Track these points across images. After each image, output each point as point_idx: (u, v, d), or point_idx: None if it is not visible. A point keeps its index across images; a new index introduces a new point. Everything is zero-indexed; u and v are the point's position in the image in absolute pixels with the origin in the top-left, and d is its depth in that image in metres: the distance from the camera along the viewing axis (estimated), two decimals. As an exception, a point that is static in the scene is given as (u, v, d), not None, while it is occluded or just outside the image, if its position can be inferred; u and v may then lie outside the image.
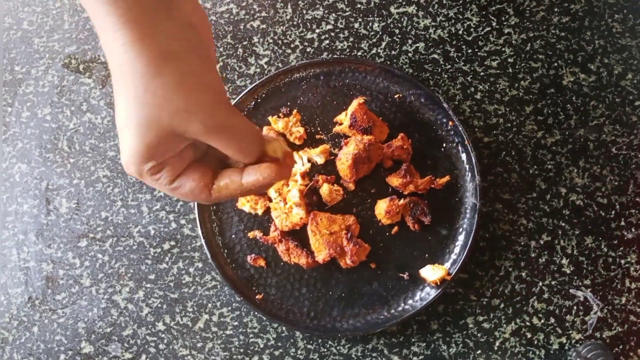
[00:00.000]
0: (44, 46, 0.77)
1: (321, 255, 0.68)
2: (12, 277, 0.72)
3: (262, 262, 0.70)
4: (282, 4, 0.77)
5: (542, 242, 0.72)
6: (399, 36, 0.77)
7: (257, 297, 0.69)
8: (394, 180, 0.70)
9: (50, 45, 0.78)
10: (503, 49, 0.76)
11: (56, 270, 0.72)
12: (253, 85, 0.72)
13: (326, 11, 0.78)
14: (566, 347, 0.70)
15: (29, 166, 0.74)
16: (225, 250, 0.70)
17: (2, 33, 0.78)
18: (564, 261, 0.72)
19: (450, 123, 0.72)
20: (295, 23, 0.77)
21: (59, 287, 0.72)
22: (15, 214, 0.73)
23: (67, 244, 0.72)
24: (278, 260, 0.70)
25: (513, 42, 0.76)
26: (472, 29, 0.77)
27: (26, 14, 0.78)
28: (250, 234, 0.70)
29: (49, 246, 0.72)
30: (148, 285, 0.71)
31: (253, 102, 0.73)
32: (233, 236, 0.71)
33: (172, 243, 0.72)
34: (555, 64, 0.76)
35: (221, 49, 0.77)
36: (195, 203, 0.70)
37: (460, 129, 0.71)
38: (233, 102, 0.72)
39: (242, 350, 0.70)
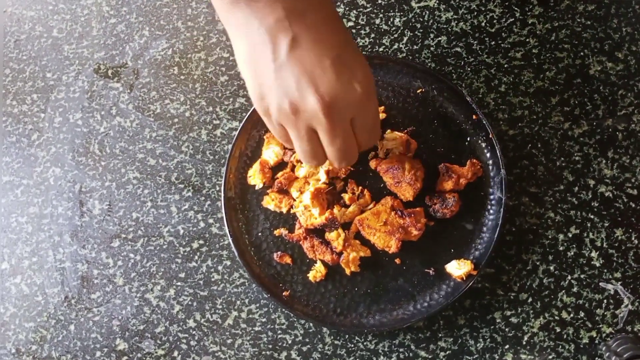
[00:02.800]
0: (74, 53, 0.80)
1: (392, 247, 0.68)
2: (49, 277, 0.75)
3: (288, 260, 0.71)
4: (303, 3, 0.78)
5: (570, 235, 0.71)
6: (421, 30, 0.76)
7: (284, 294, 0.70)
8: (447, 185, 0.70)
9: (79, 51, 0.80)
10: (527, 40, 0.75)
11: (91, 270, 0.74)
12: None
13: (347, 8, 0.78)
14: (596, 341, 0.69)
15: (63, 170, 0.77)
16: (252, 248, 0.71)
17: (32, 41, 0.81)
18: (594, 254, 0.70)
19: (474, 117, 0.71)
20: (316, 21, 0.77)
21: (93, 286, 0.74)
22: (51, 217, 0.76)
23: (100, 245, 0.75)
24: (304, 257, 0.71)
25: (537, 32, 0.75)
26: (495, 21, 0.76)
27: (56, 22, 0.81)
28: (276, 232, 0.71)
29: (83, 247, 0.75)
30: (178, 284, 0.73)
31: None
32: (259, 234, 0.72)
33: (201, 242, 0.74)
34: (582, 53, 0.74)
35: (244, 50, 0.78)
36: (223, 203, 0.71)
37: (484, 122, 0.70)
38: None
39: (270, 346, 0.71)
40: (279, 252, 0.71)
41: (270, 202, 0.71)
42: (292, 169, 0.72)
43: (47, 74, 0.80)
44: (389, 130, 0.72)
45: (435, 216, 0.70)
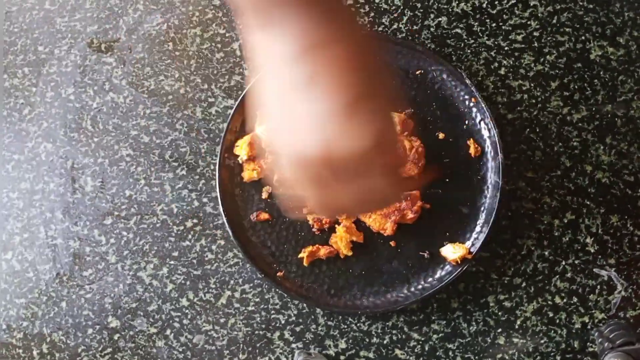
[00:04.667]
0: (66, 26, 0.78)
1: (388, 230, 0.68)
2: (41, 254, 0.74)
3: (265, 216, 0.71)
4: (301, -20, 0.76)
5: (565, 221, 0.71)
6: (421, 10, 0.75)
7: (278, 274, 0.70)
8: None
9: (72, 25, 0.78)
10: (528, 23, 0.74)
11: (83, 247, 0.74)
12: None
13: (346, -14, 0.76)
14: (589, 327, 0.70)
15: (54, 145, 0.76)
16: (247, 228, 0.71)
17: (24, 13, 0.79)
18: (588, 240, 0.71)
19: (472, 99, 0.70)
20: None
21: (85, 263, 0.74)
22: (42, 193, 0.75)
23: (92, 222, 0.74)
24: (298, 238, 0.71)
25: (539, 15, 0.74)
26: (496, 2, 0.75)
27: (48, -6, 0.79)
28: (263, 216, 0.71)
29: (75, 224, 0.74)
30: (172, 262, 0.73)
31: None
32: (254, 214, 0.71)
33: (195, 221, 0.73)
34: (583, 38, 0.73)
35: (240, 26, 0.76)
36: (217, 182, 0.70)
37: (482, 105, 0.70)
38: (252, 79, 0.72)
39: (263, 326, 0.71)
40: (255, 212, 0.71)
41: (251, 172, 0.70)
42: None
43: (38, 47, 0.78)
44: None
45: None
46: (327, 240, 0.70)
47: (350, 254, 0.69)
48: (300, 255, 0.70)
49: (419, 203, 0.68)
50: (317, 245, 0.70)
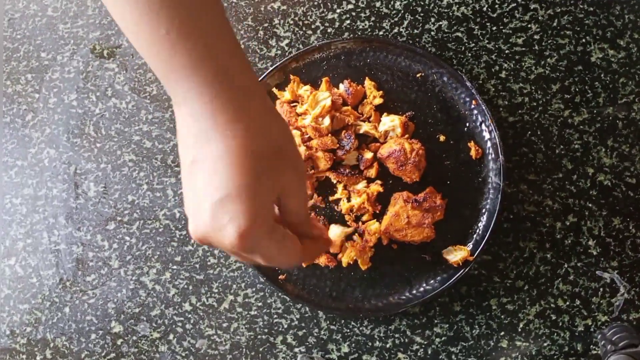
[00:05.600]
0: (69, 32, 0.79)
1: (430, 234, 0.68)
2: (44, 259, 0.74)
3: None
4: (302, -15, 0.77)
5: (568, 224, 0.71)
6: (422, 14, 0.75)
7: (279, 277, 0.70)
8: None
9: (74, 31, 0.79)
10: (529, 26, 0.74)
11: (86, 252, 0.74)
12: (274, 67, 0.72)
13: (347, -9, 0.77)
14: (592, 329, 0.69)
15: (57, 151, 0.76)
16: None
17: (27, 20, 0.79)
18: (591, 242, 0.70)
19: (473, 102, 0.71)
20: (315, 3, 0.76)
21: (88, 268, 0.74)
22: (45, 198, 0.75)
23: (95, 227, 0.74)
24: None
25: (539, 18, 0.74)
26: (496, 5, 0.75)
27: (50, 0, 0.79)
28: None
29: (78, 229, 0.74)
30: (174, 267, 0.73)
31: (275, 85, 0.73)
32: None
33: (197, 225, 0.73)
34: (583, 40, 0.74)
35: (242, 32, 0.76)
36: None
37: (483, 107, 0.70)
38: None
39: (266, 330, 0.71)
40: None
41: None
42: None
43: (41, 54, 0.78)
44: (385, 114, 0.71)
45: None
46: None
47: (369, 265, 0.70)
48: None
49: (439, 196, 0.68)
50: None
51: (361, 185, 0.70)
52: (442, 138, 0.71)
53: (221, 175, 0.42)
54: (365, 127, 0.70)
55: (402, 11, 0.76)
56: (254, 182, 0.42)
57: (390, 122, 0.70)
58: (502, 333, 0.70)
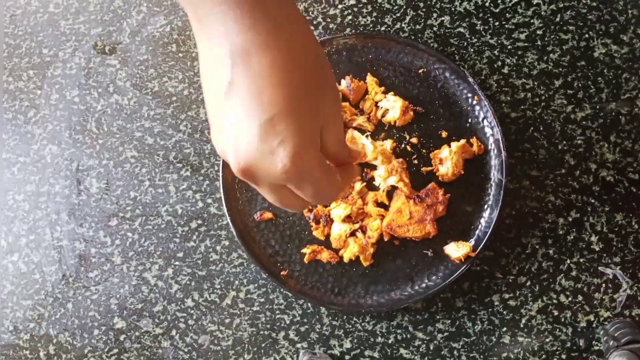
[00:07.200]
0: (71, 28, 0.79)
1: (432, 231, 0.68)
2: (47, 255, 0.74)
3: (269, 215, 0.71)
4: (304, -20, 0.77)
5: (570, 219, 0.71)
6: (424, 10, 0.75)
7: (282, 273, 0.70)
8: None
9: (76, 27, 0.79)
10: (532, 21, 0.74)
11: (88, 248, 0.74)
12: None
13: (349, -14, 0.76)
14: (594, 325, 0.69)
15: (60, 147, 0.76)
16: (251, 228, 0.71)
17: (29, 16, 0.79)
18: (593, 238, 0.70)
19: (475, 98, 0.70)
20: (317, -1, 0.76)
21: (91, 265, 0.74)
22: (48, 195, 0.75)
23: (98, 223, 0.74)
24: (302, 238, 0.71)
25: (542, 13, 0.74)
26: (499, 1, 0.75)
27: (52, -3, 0.79)
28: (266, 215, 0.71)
29: (80, 225, 0.75)
30: (177, 263, 0.73)
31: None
32: (258, 214, 0.71)
33: (199, 222, 0.73)
34: (586, 36, 0.73)
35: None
36: (221, 183, 0.70)
37: (485, 103, 0.70)
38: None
39: (268, 326, 0.71)
40: (258, 212, 0.71)
41: None
42: None
43: (43, 50, 0.78)
44: (392, 93, 0.71)
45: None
46: (328, 240, 0.70)
47: (371, 262, 0.70)
48: (303, 251, 0.70)
49: (441, 192, 0.68)
50: (321, 247, 0.70)
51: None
52: (444, 134, 0.71)
53: (268, 92, 0.38)
54: (359, 120, 0.70)
55: (404, 7, 0.75)
56: (304, 99, 0.38)
57: (393, 101, 0.70)
58: (505, 329, 0.70)
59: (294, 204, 0.43)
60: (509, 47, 0.74)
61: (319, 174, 0.40)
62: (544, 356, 0.69)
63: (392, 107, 0.70)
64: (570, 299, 0.70)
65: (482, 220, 0.69)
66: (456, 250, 0.68)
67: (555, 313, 0.70)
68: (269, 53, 0.37)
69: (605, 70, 0.73)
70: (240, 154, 0.38)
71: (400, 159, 0.69)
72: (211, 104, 0.39)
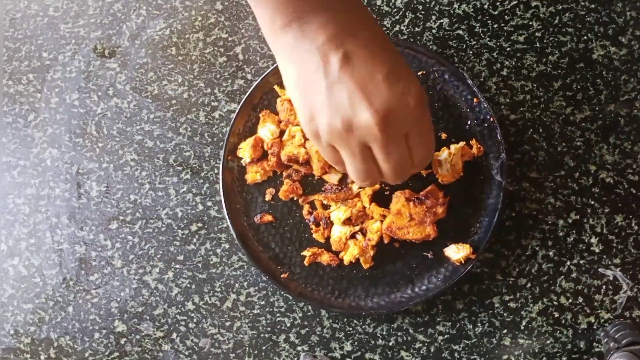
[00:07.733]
0: (70, 32, 0.79)
1: (432, 233, 0.68)
2: (47, 259, 0.74)
3: (269, 218, 0.71)
4: (303, -17, 0.77)
5: (570, 221, 0.71)
6: (422, 12, 0.75)
7: (282, 276, 0.70)
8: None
9: (76, 30, 0.79)
10: (530, 23, 0.74)
11: (89, 252, 0.74)
12: (275, 65, 0.72)
13: (348, -11, 0.76)
14: (594, 327, 0.69)
15: (60, 151, 0.76)
16: (251, 231, 0.71)
17: (28, 20, 0.79)
18: (593, 240, 0.70)
19: (475, 100, 0.70)
20: (316, 2, 0.76)
21: (91, 268, 0.74)
22: (48, 198, 0.75)
23: (98, 227, 0.74)
24: (302, 240, 0.71)
25: (541, 15, 0.74)
26: (498, 3, 0.75)
27: (52, 1, 0.79)
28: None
29: (81, 229, 0.75)
30: (177, 266, 0.73)
31: (276, 83, 0.73)
32: (258, 216, 0.72)
33: (199, 225, 0.74)
34: (585, 37, 0.73)
35: (243, 30, 0.76)
36: (221, 186, 0.70)
37: (485, 105, 0.70)
38: (255, 83, 0.72)
39: (269, 329, 0.72)
40: (259, 214, 0.71)
41: (254, 174, 0.71)
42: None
43: (43, 54, 0.78)
44: None
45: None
46: (328, 242, 0.70)
47: (371, 264, 0.70)
48: (303, 253, 0.70)
49: (441, 194, 0.68)
50: (321, 249, 0.70)
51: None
52: (443, 136, 0.71)
53: (380, 54, 0.45)
54: None
55: (403, 9, 0.76)
56: (404, 61, 0.48)
57: None
58: (505, 331, 0.70)
59: (370, 170, 0.50)
60: (508, 49, 0.74)
61: (421, 125, 0.49)
62: (544, 358, 0.69)
63: None
64: (570, 300, 0.70)
65: (482, 223, 0.69)
66: (456, 252, 0.68)
67: (556, 315, 0.70)
68: (371, 27, 0.47)
69: (604, 72, 0.73)
70: (377, 106, 0.45)
71: None
72: (316, 91, 0.46)
